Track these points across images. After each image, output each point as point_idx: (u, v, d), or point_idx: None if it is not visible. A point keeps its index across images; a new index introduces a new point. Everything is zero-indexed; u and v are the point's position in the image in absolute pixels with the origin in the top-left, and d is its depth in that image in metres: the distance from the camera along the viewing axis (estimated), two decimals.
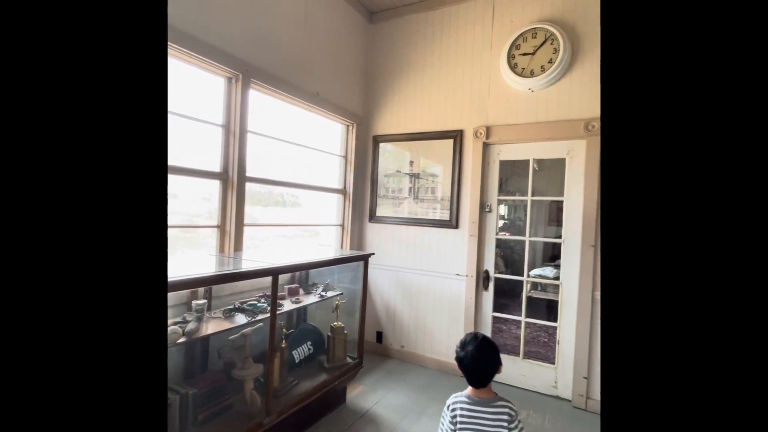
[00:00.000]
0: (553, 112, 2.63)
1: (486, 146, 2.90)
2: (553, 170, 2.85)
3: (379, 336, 3.33)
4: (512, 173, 3.14)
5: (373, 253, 2.64)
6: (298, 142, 2.84)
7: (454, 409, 1.29)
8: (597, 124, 2.46)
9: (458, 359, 1.30)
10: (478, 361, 1.26)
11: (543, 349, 3.51)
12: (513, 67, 2.69)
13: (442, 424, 1.32)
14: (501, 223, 6.94)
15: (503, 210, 7.14)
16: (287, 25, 2.55)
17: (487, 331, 2.91)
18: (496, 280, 2.92)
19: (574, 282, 2.58)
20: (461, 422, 1.26)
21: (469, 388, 1.31)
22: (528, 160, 2.78)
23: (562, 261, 2.66)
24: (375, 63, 3.37)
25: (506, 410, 1.25)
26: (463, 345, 1.31)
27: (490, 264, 2.91)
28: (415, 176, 3.19)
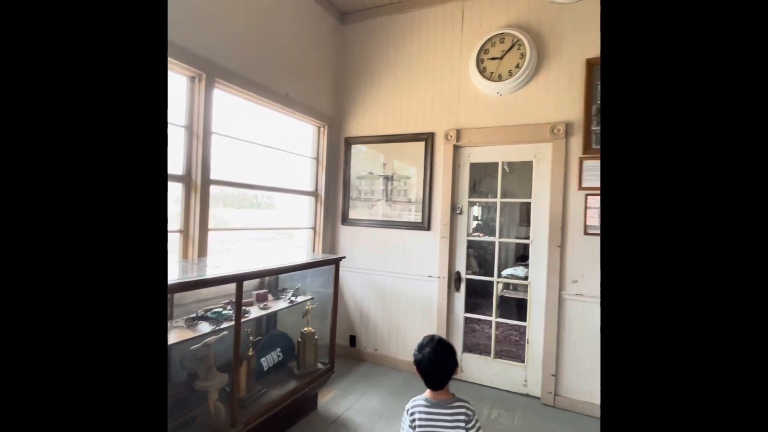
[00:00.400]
0: (520, 115, 2.69)
1: (456, 149, 2.93)
2: (523, 173, 2.92)
3: (353, 340, 3.30)
4: (485, 175, 3.19)
5: (343, 257, 2.61)
6: (268, 144, 2.78)
7: (413, 413, 1.29)
8: (562, 128, 2.53)
9: (416, 362, 1.31)
10: (435, 364, 1.26)
11: (515, 348, 3.58)
12: (482, 71, 2.73)
13: (403, 429, 1.32)
14: (475, 224, 7.10)
15: (477, 211, 7.28)
16: (253, 24, 2.49)
17: (459, 331, 2.93)
18: (468, 280, 2.95)
19: (542, 282, 2.64)
20: (419, 425, 1.26)
21: (428, 391, 1.31)
22: (497, 163, 2.82)
23: (531, 261, 2.72)
24: (347, 64, 3.35)
25: (463, 410, 1.25)
26: (421, 348, 1.31)
27: (461, 265, 2.94)
28: (387, 178, 3.19)
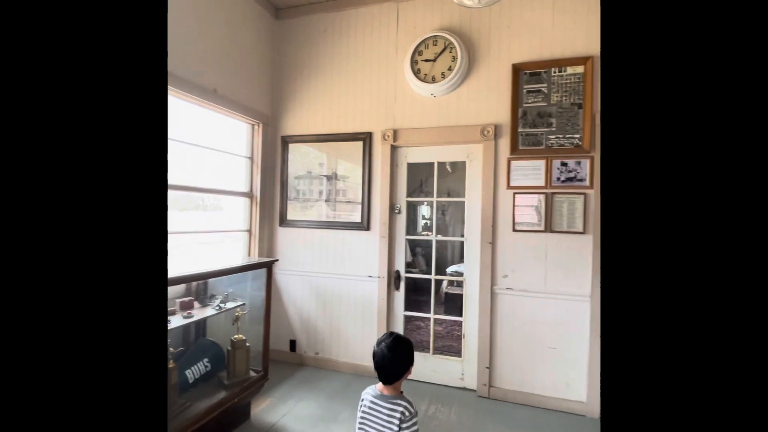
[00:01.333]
0: (453, 117, 2.76)
1: (394, 149, 2.95)
2: (463, 172, 2.99)
3: (293, 344, 3.21)
4: (429, 174, 3.23)
5: (276, 260, 2.53)
6: (197, 143, 2.62)
7: (363, 399, 1.38)
8: (491, 130, 2.63)
9: (373, 354, 1.36)
10: (388, 359, 1.31)
11: (456, 342, 3.68)
12: (416, 73, 2.77)
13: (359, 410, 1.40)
14: (423, 222, 7.24)
15: (425, 211, 7.43)
16: (176, 16, 2.33)
17: (399, 330, 2.95)
18: (407, 279, 2.98)
19: (476, 278, 2.73)
20: (363, 412, 1.34)
21: (379, 383, 1.36)
22: (433, 163, 2.88)
23: (465, 259, 2.81)
24: (283, 61, 3.25)
25: (401, 409, 1.28)
26: (379, 342, 1.37)
27: (401, 264, 2.96)
28: (326, 178, 3.14)
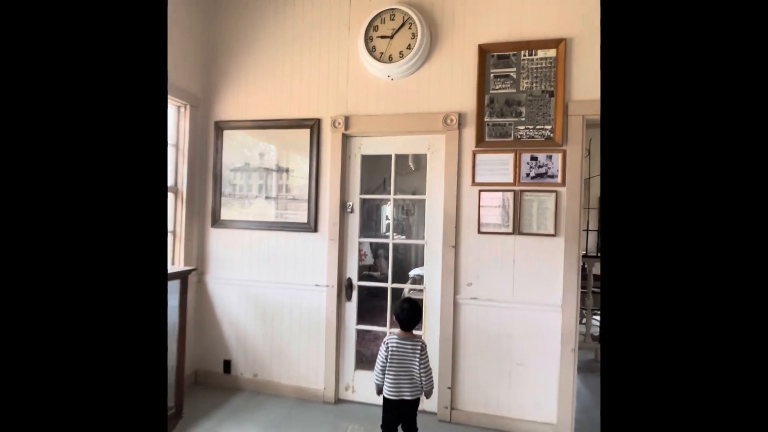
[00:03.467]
0: (413, 103, 2.43)
1: (346, 138, 2.57)
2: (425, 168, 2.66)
3: (228, 365, 2.74)
4: (388, 168, 2.88)
5: (194, 269, 2.08)
6: None
7: (388, 343, 1.87)
8: (455, 118, 2.32)
9: (396, 315, 1.92)
10: (408, 313, 1.89)
11: None
12: (371, 51, 2.41)
13: (381, 355, 1.88)
14: (386, 223, 6.90)
15: (389, 210, 7.11)
16: None
17: (350, 346, 2.58)
18: (361, 288, 2.61)
19: (437, 286, 2.41)
20: (392, 351, 1.85)
21: (399, 330, 1.90)
22: (391, 156, 2.53)
23: (425, 264, 2.48)
24: (218, 36, 2.77)
25: (420, 344, 1.86)
26: (401, 304, 1.93)
27: (353, 271, 2.59)
28: (267, 171, 2.70)
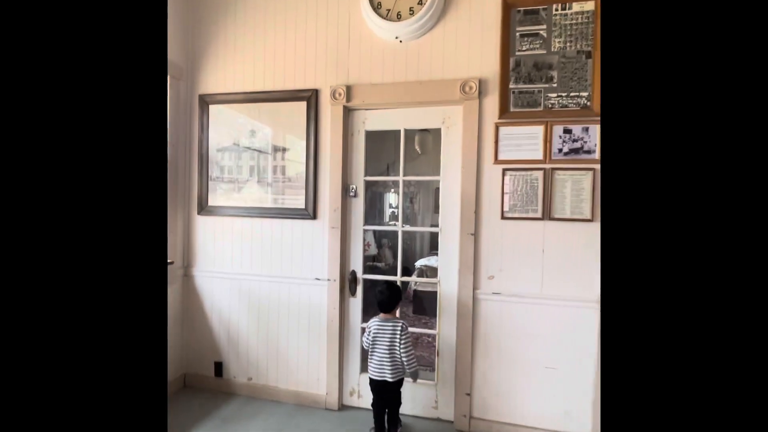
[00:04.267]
0: (425, 69, 2.10)
1: (348, 112, 2.25)
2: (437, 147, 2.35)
3: (219, 368, 2.47)
4: (395, 148, 2.57)
5: (171, 262, 1.78)
6: None
7: (369, 327, 1.95)
8: (474, 86, 2.00)
9: (376, 296, 1.97)
10: (386, 296, 1.94)
11: (428, 353, 3.09)
12: (376, 8, 2.08)
13: (364, 340, 1.99)
14: (390, 212, 6.59)
15: (393, 198, 6.75)
16: None
17: (355, 345, 2.30)
18: (366, 282, 2.32)
19: (453, 279, 2.12)
20: (374, 333, 1.91)
21: (381, 314, 1.95)
22: (399, 131, 2.21)
23: (440, 255, 2.18)
24: (201, 0, 2.44)
25: (400, 324, 1.90)
26: (381, 288, 1.97)
27: (357, 262, 2.29)
28: (259, 152, 2.39)
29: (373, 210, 5.73)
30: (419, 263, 4.69)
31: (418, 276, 4.51)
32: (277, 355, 2.38)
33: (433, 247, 5.57)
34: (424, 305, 4.17)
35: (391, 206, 6.15)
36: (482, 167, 2.03)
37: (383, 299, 1.94)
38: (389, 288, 1.97)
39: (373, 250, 5.30)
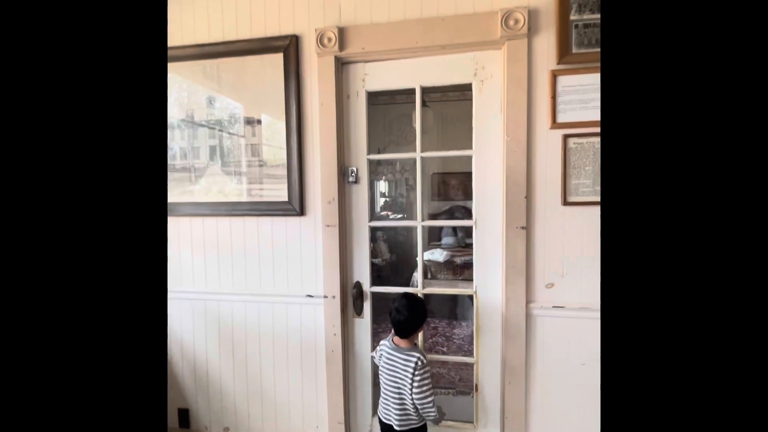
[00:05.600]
0: None
1: (342, 65, 1.64)
2: (457, 111, 1.76)
3: (184, 416, 1.87)
4: (404, 113, 1.97)
5: None
6: None
7: (380, 351, 1.47)
8: (522, 19, 1.42)
9: (391, 317, 1.44)
10: (404, 316, 1.41)
11: (462, 380, 2.55)
12: None
13: (375, 358, 1.53)
14: (382, 201, 5.96)
15: (383, 186, 6.09)
16: None
17: (365, 381, 1.74)
18: (375, 296, 1.75)
19: (496, 289, 1.57)
20: (383, 363, 1.43)
21: (395, 336, 1.44)
22: (414, 90, 1.61)
23: (476, 257, 1.62)
24: None
25: (414, 359, 1.36)
26: (394, 301, 1.45)
27: (362, 271, 1.71)
28: (221, 126, 1.76)
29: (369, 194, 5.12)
30: (426, 256, 4.15)
31: (425, 273, 3.96)
32: (262, 397, 1.80)
33: (433, 238, 5.02)
34: (431, 306, 3.66)
35: (383, 195, 5.54)
36: (534, 134, 1.47)
37: (401, 320, 1.41)
38: (410, 304, 1.42)
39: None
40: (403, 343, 1.42)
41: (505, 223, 1.51)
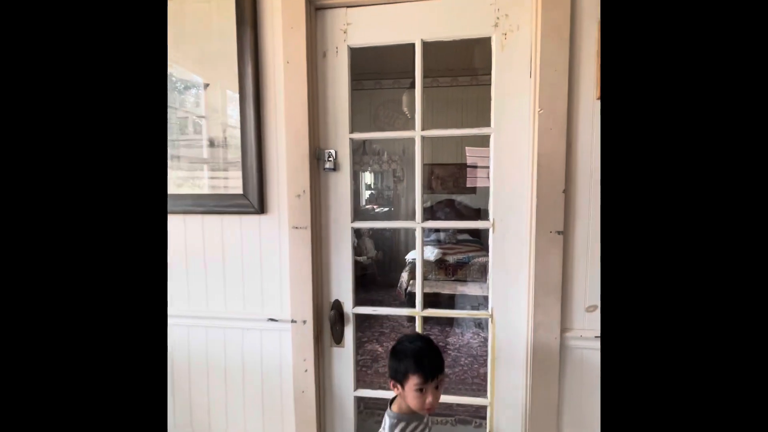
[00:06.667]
0: None
1: (317, 10, 1.21)
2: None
3: None
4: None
5: None
6: None
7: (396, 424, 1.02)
8: None
9: (407, 354, 0.97)
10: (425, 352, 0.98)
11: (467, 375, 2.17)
12: None
13: None
14: (367, 194, 5.48)
15: (368, 178, 5.61)
16: None
17: (349, 425, 1.34)
18: (359, 319, 1.35)
19: (518, 313, 1.19)
20: None
21: (399, 401, 1.03)
22: (413, 46, 1.20)
23: (492, 269, 1.23)
24: None
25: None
26: (409, 342, 1.01)
27: (343, 285, 1.30)
28: None
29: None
30: (411, 257, 3.77)
31: (410, 274, 3.59)
32: None
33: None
34: (438, 322, 3.29)
35: (369, 187, 5.10)
36: (577, 107, 1.09)
37: (421, 351, 0.97)
38: (427, 344, 1.00)
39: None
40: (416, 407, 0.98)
41: (534, 226, 1.13)
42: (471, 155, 4.73)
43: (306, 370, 1.27)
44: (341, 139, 1.25)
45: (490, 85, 1.18)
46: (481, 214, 4.80)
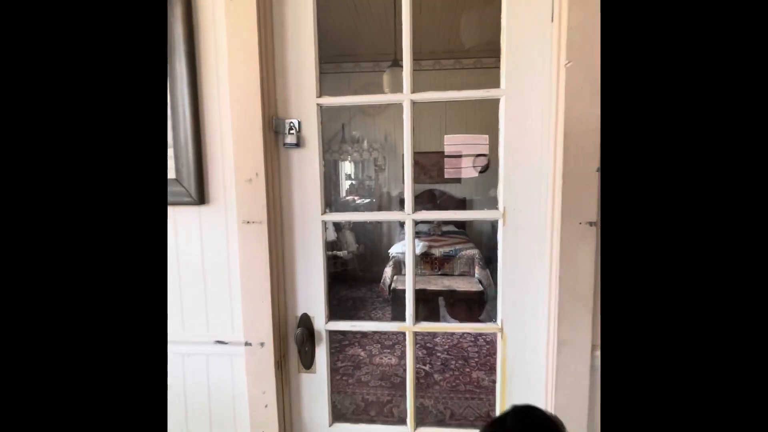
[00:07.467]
0: None
1: None
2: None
3: None
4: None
5: None
6: None
7: None
8: None
9: None
10: None
11: (475, 394, 1.93)
12: None
13: None
14: (347, 184, 5.15)
15: (348, 168, 5.26)
16: None
17: None
18: (335, 338, 1.07)
19: (537, 327, 0.94)
20: None
21: None
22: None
23: (502, 270, 0.97)
24: None
25: None
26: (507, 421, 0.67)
27: (312, 294, 1.02)
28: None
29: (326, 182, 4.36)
30: (394, 251, 3.50)
31: (393, 269, 3.33)
32: None
33: (401, 223, 4.39)
34: (424, 311, 3.04)
35: (349, 177, 4.78)
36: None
37: None
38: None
39: (330, 235, 4.00)
40: None
41: (559, 215, 0.87)
42: (450, 143, 4.46)
43: (266, 405, 0.99)
44: (306, 106, 0.95)
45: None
46: (466, 204, 4.58)
